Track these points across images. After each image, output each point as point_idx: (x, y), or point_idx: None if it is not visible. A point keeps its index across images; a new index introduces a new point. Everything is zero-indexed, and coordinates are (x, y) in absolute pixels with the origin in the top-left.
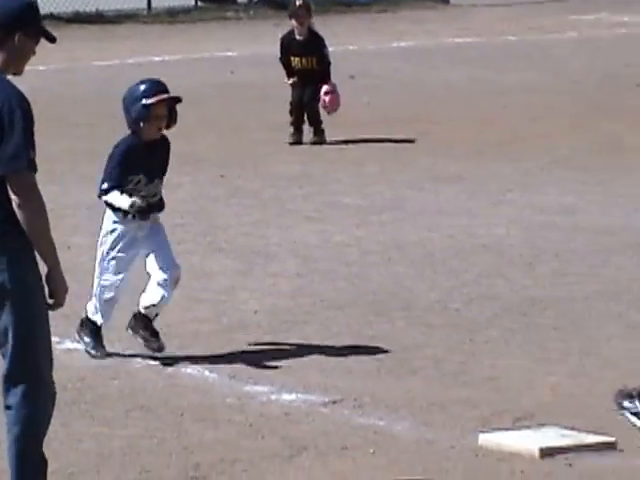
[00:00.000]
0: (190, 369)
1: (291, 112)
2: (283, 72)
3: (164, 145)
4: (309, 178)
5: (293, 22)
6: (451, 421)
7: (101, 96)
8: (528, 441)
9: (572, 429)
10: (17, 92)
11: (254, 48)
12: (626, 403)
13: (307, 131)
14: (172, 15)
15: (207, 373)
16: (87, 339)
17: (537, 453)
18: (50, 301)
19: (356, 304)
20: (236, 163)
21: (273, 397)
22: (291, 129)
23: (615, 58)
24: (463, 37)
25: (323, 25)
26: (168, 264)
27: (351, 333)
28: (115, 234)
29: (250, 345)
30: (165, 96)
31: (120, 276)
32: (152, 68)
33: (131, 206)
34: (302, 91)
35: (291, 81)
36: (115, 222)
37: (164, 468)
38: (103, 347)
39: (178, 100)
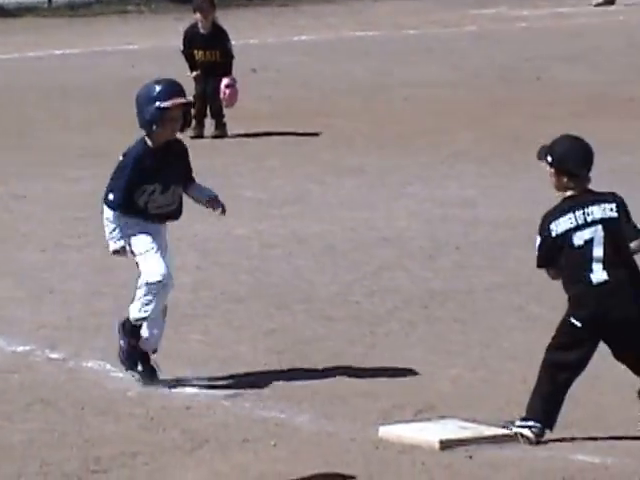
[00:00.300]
0: (91, 363)
1: (193, 105)
2: (185, 66)
3: (179, 149)
4: (210, 172)
5: (197, 15)
6: (352, 413)
7: (1, 89)
8: (428, 433)
9: (472, 421)
10: None
11: (155, 42)
12: None
13: (209, 125)
14: (73, 8)
15: (108, 367)
16: (134, 369)
17: (437, 445)
18: None
19: (257, 297)
20: None
21: (174, 390)
22: (193, 122)
23: (515, 52)
24: (364, 31)
25: (225, 19)
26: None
27: (252, 326)
28: (142, 232)
29: None
30: (182, 100)
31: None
32: (53, 61)
33: (113, 252)
34: (205, 84)
35: (194, 74)
36: (135, 225)
37: (65, 461)
38: (155, 372)
39: (193, 104)
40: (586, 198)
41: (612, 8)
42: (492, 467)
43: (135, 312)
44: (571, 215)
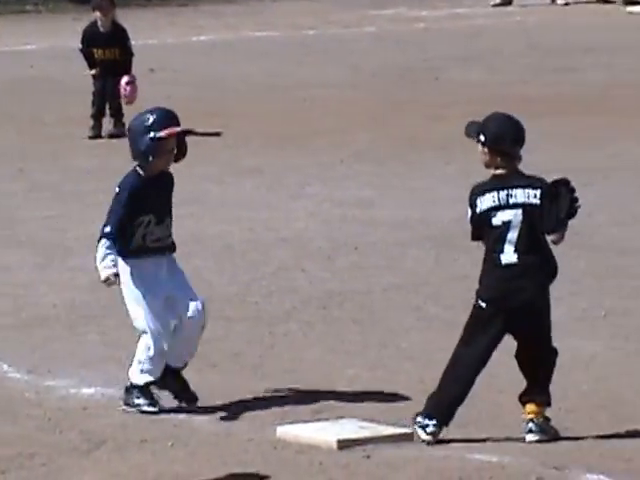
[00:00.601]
0: None
1: (93, 103)
2: (84, 64)
3: (168, 180)
4: (108, 171)
5: (97, 14)
6: (250, 414)
7: None
8: (326, 433)
9: (370, 421)
10: None
11: (54, 42)
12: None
13: (107, 124)
14: None
15: (5, 367)
16: (138, 400)
17: (335, 445)
18: None
19: None
20: (35, 157)
21: (72, 391)
22: (91, 122)
23: (413, 53)
24: (263, 31)
25: (124, 19)
26: (194, 309)
27: None
28: (134, 278)
29: (49, 339)
30: (177, 129)
31: (160, 323)
32: None
33: (104, 280)
34: (104, 82)
35: (93, 72)
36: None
37: None
38: (157, 401)
39: (189, 132)
40: (513, 179)
41: (509, 9)
42: (390, 466)
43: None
44: (495, 194)
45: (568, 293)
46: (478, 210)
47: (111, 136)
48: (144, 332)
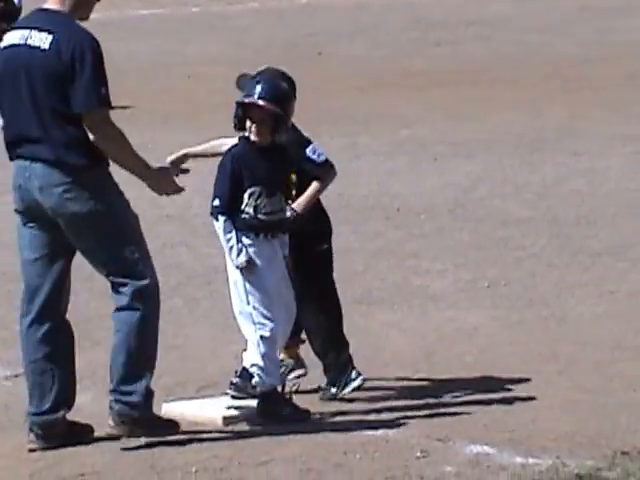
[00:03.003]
0: None
1: None
2: None
3: (282, 153)
4: None
5: None
6: None
7: None
8: (211, 409)
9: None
10: (87, 35)
11: None
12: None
13: None
14: None
15: None
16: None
17: (220, 421)
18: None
19: None
20: None
21: None
22: None
23: (296, 28)
24: (148, 9)
25: None
26: (288, 302)
27: None
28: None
29: None
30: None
31: (268, 314)
32: None
33: (239, 267)
34: None
35: None
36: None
37: None
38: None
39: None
40: None
41: None
42: (275, 442)
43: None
44: None
45: (452, 265)
46: None
47: None
48: (253, 326)
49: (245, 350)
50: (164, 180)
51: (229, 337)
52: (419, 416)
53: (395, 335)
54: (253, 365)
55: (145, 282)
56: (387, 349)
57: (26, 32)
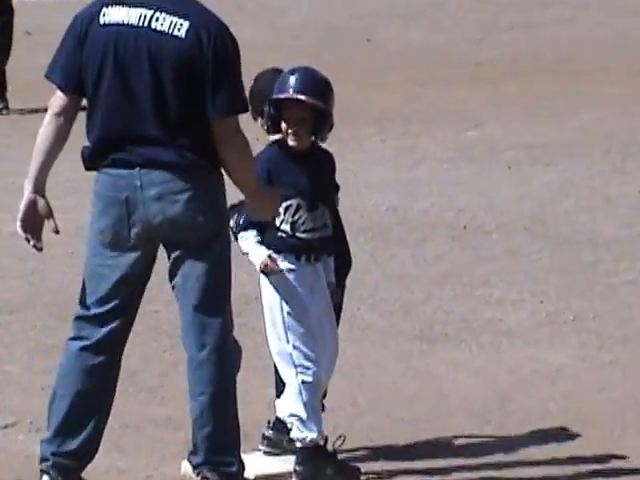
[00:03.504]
0: None
1: None
2: None
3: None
4: None
5: None
6: (148, 445)
7: None
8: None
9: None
10: (224, 24)
11: None
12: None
13: None
14: None
15: None
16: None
17: None
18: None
19: (32, 307)
20: None
21: None
22: None
23: (340, 9)
24: None
25: None
26: (331, 340)
27: (26, 342)
28: (287, 287)
29: None
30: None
31: (311, 356)
32: None
33: (261, 269)
34: None
35: None
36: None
37: None
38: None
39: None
40: None
41: None
42: None
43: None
44: None
45: (530, 294)
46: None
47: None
48: (294, 370)
49: (279, 397)
50: (272, 201)
51: (262, 380)
52: (491, 478)
53: (463, 378)
54: (292, 415)
55: (231, 328)
56: (453, 395)
57: (146, 11)
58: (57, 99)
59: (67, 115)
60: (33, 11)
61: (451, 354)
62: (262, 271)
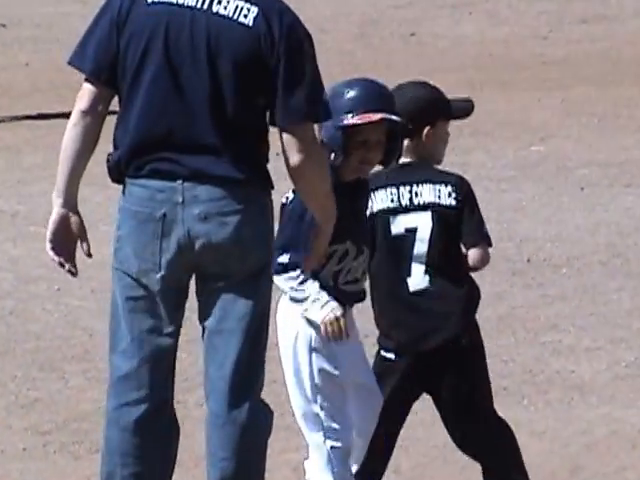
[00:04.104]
0: None
1: None
2: None
3: (366, 190)
4: None
5: None
6: None
7: None
8: None
9: None
10: (292, 11)
11: None
12: None
13: None
14: None
15: None
16: None
17: None
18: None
19: (12, 354)
20: None
21: None
22: None
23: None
24: None
25: None
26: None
27: (5, 395)
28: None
29: None
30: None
31: (342, 418)
32: None
33: (331, 323)
34: None
35: None
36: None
37: None
38: None
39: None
40: (419, 172)
41: None
42: None
43: None
44: (393, 190)
45: (607, 341)
46: (368, 212)
47: None
48: (327, 437)
49: (307, 459)
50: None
51: (285, 443)
52: None
53: (526, 441)
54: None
55: (262, 387)
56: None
57: None
58: (86, 93)
59: (98, 113)
60: (8, 1)
61: (512, 412)
62: (329, 322)
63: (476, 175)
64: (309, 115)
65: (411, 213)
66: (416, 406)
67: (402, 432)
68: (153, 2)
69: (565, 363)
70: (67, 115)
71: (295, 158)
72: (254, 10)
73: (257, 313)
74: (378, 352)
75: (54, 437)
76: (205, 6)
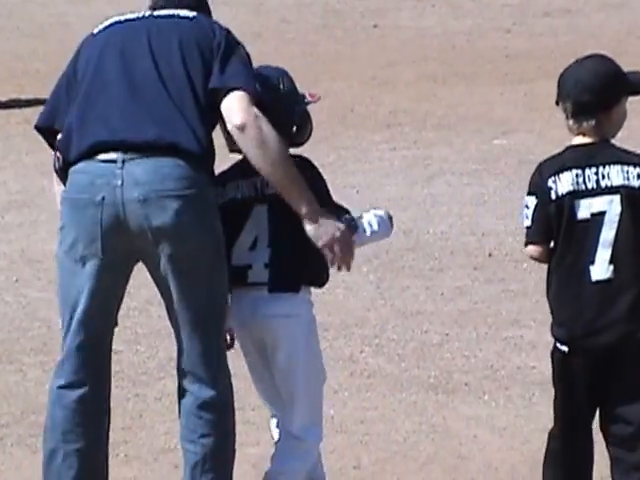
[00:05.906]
0: None
1: None
2: None
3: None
4: None
5: None
6: None
7: None
8: None
9: None
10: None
11: None
12: None
13: None
14: None
15: None
16: None
17: None
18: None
19: None
20: None
21: None
22: None
23: None
24: None
25: None
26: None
27: None
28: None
29: None
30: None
31: None
32: None
33: None
34: None
35: None
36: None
37: None
38: None
39: None
40: (602, 152)
41: None
42: None
43: None
44: (578, 172)
45: None
46: (553, 196)
47: None
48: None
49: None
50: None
51: (245, 437)
52: None
53: (486, 437)
54: None
55: (228, 376)
56: (475, 458)
57: (143, 13)
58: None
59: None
60: None
61: (473, 408)
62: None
63: (438, 169)
64: (248, 83)
65: (598, 197)
66: (377, 401)
67: (362, 428)
68: (99, 31)
69: (526, 359)
70: (26, 103)
71: (238, 116)
72: (185, 12)
73: (207, 300)
74: (554, 344)
75: (11, 430)
76: (147, 14)
